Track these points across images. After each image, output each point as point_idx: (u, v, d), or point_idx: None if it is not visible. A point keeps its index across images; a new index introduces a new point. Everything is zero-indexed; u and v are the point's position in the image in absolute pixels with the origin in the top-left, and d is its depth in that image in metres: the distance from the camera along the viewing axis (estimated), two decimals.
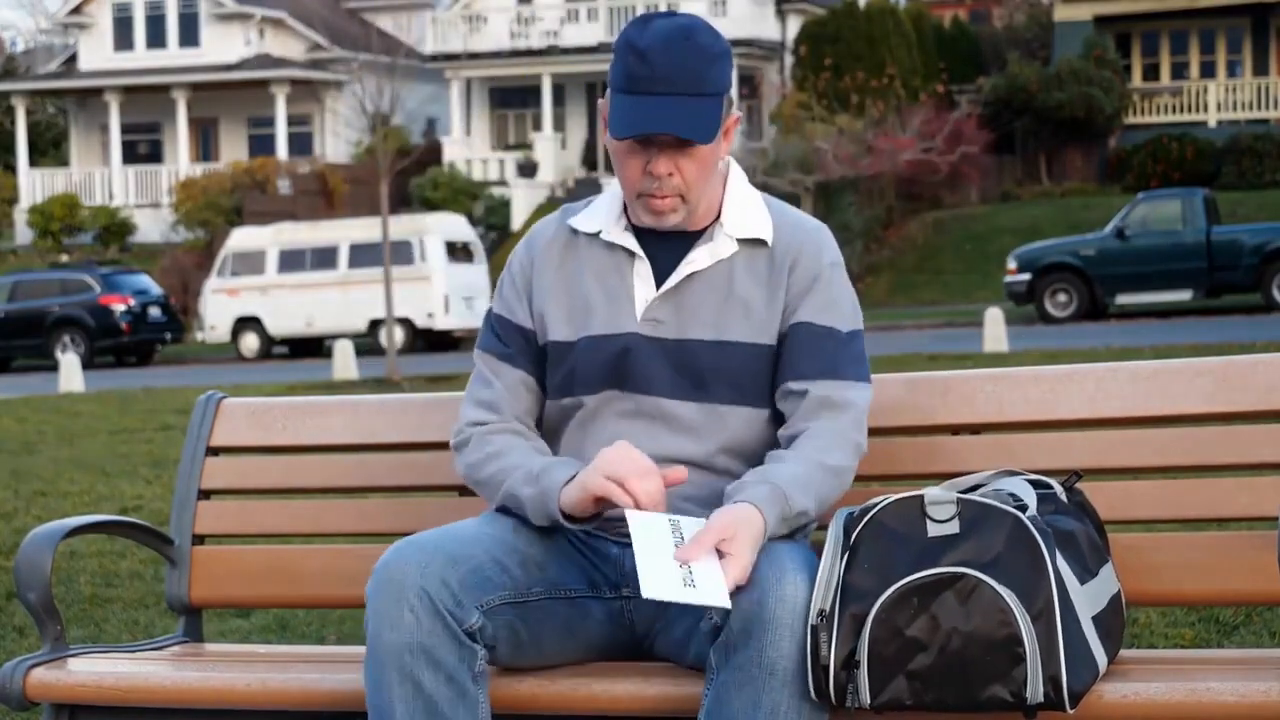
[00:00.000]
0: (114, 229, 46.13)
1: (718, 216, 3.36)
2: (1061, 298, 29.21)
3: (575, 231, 3.43)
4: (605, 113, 3.29)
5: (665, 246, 3.35)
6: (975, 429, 3.60)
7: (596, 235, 3.40)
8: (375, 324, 30.86)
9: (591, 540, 3.36)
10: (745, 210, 3.37)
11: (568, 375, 3.36)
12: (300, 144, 49.07)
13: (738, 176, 3.43)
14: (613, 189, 3.43)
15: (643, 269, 3.35)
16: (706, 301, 3.31)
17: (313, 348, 33.56)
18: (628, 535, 3.12)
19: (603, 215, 3.41)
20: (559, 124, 47.60)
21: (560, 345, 3.37)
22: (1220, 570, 3.41)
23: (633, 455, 3.16)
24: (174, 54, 49.26)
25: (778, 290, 3.31)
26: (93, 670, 3.67)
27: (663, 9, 45.73)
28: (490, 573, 3.17)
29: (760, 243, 3.35)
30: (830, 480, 3.21)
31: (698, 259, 3.32)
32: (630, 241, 3.36)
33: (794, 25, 46.58)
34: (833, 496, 3.23)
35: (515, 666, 3.28)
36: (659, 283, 3.34)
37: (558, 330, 3.38)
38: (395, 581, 3.09)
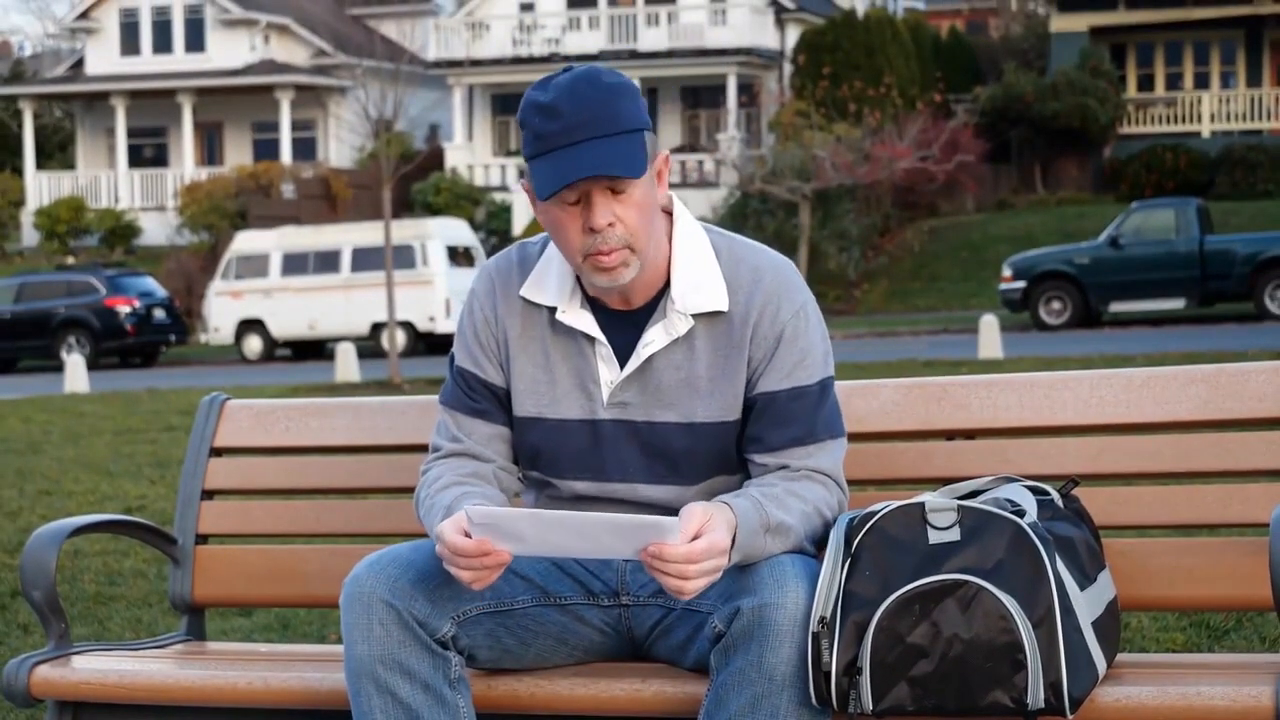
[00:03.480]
0: (119, 231, 46.10)
1: (667, 284, 3.21)
2: (1056, 305, 29.21)
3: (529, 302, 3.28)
4: (528, 189, 3.15)
5: (621, 323, 3.23)
6: (970, 434, 3.60)
7: (553, 310, 3.26)
8: (377, 327, 30.87)
9: (586, 562, 3.34)
10: (695, 275, 3.20)
11: (532, 452, 3.30)
12: (304, 149, 49.14)
13: (684, 227, 3.25)
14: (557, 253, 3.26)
15: (604, 351, 3.23)
16: (670, 383, 3.21)
17: (315, 350, 33.58)
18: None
19: (554, 287, 3.25)
20: None
21: (524, 420, 3.30)
22: (1212, 576, 3.41)
23: (458, 544, 3.02)
24: (180, 59, 49.29)
25: (740, 361, 3.20)
26: (96, 668, 3.67)
27: (662, 16, 46.04)
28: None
29: (716, 312, 3.20)
30: (809, 511, 3.17)
31: (654, 339, 3.20)
32: (590, 325, 3.22)
33: (793, 34, 46.58)
34: (816, 531, 3.18)
35: (505, 670, 3.30)
36: (620, 361, 3.23)
37: (521, 403, 3.29)
38: (363, 596, 3.10)
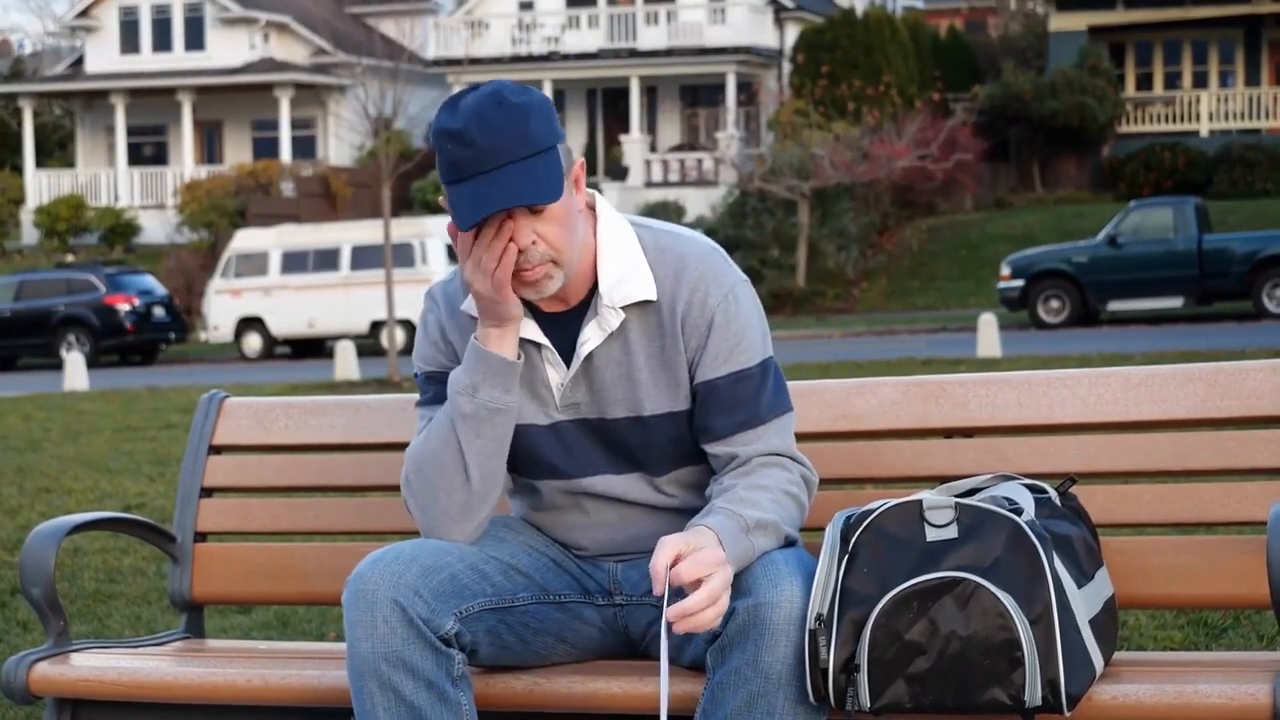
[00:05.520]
0: (119, 230, 46.15)
1: (595, 283, 3.22)
2: (1054, 304, 29.27)
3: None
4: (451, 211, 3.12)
5: (561, 325, 3.25)
6: (968, 432, 3.60)
7: None
8: (376, 325, 31.00)
9: (581, 561, 3.39)
10: (621, 267, 3.21)
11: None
12: (303, 147, 49.18)
13: (607, 222, 3.25)
14: None
15: (551, 355, 3.25)
16: (613, 379, 3.23)
17: (315, 348, 33.65)
18: (619, 555, 3.29)
19: None
20: None
21: None
22: (1209, 574, 3.41)
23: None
24: (179, 57, 49.38)
25: (676, 351, 3.21)
26: (95, 665, 3.67)
27: (661, 16, 46.09)
28: (467, 580, 3.19)
29: (647, 302, 3.22)
30: (776, 497, 3.17)
31: (589, 337, 3.22)
32: (534, 331, 3.24)
33: (792, 33, 46.65)
34: (792, 513, 3.19)
35: (503, 668, 3.31)
36: (566, 363, 3.25)
37: None
38: (368, 593, 3.10)
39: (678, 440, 3.25)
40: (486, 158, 3.02)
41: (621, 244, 3.22)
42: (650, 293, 3.20)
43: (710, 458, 3.24)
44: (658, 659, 3.26)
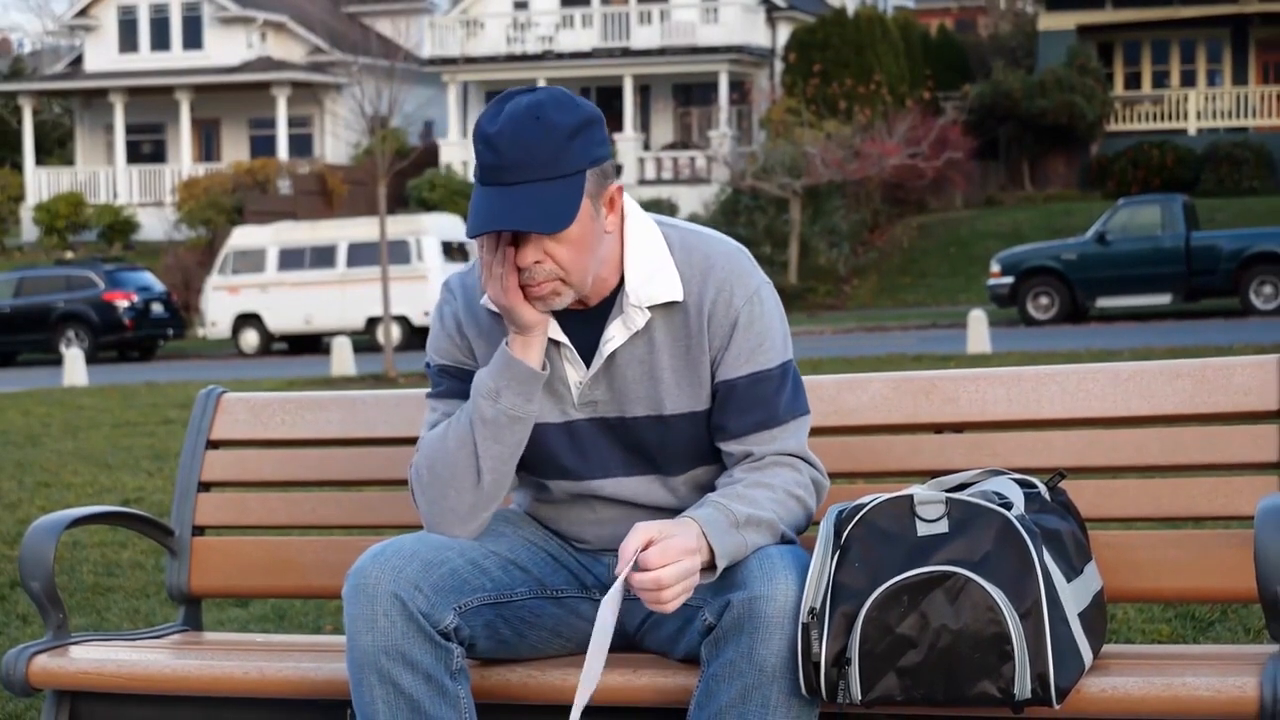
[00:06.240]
0: (118, 227, 46.18)
1: (622, 280, 3.20)
2: (1043, 301, 29.28)
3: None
4: None
5: (581, 323, 3.23)
6: (958, 428, 3.59)
7: None
8: (373, 321, 31.09)
9: (580, 554, 3.40)
10: (648, 267, 3.19)
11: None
12: (300, 145, 49.30)
13: (634, 222, 3.22)
14: None
15: (570, 353, 3.23)
16: (636, 377, 3.22)
17: (311, 344, 33.65)
18: (611, 550, 3.28)
19: None
20: None
21: None
22: (1197, 568, 3.41)
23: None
24: (178, 56, 49.47)
25: (701, 351, 3.20)
26: (94, 658, 3.66)
27: (654, 14, 46.28)
28: (467, 575, 3.19)
29: (673, 302, 3.21)
30: (779, 496, 3.17)
31: (614, 335, 3.20)
32: (554, 329, 3.21)
33: (784, 32, 46.80)
34: (795, 513, 3.20)
35: (499, 661, 3.32)
36: (585, 361, 3.23)
37: None
38: (368, 587, 3.10)
39: (696, 440, 3.25)
40: (508, 171, 3.00)
41: (649, 244, 3.21)
42: (677, 293, 3.19)
43: (724, 455, 3.25)
44: (654, 653, 3.31)
